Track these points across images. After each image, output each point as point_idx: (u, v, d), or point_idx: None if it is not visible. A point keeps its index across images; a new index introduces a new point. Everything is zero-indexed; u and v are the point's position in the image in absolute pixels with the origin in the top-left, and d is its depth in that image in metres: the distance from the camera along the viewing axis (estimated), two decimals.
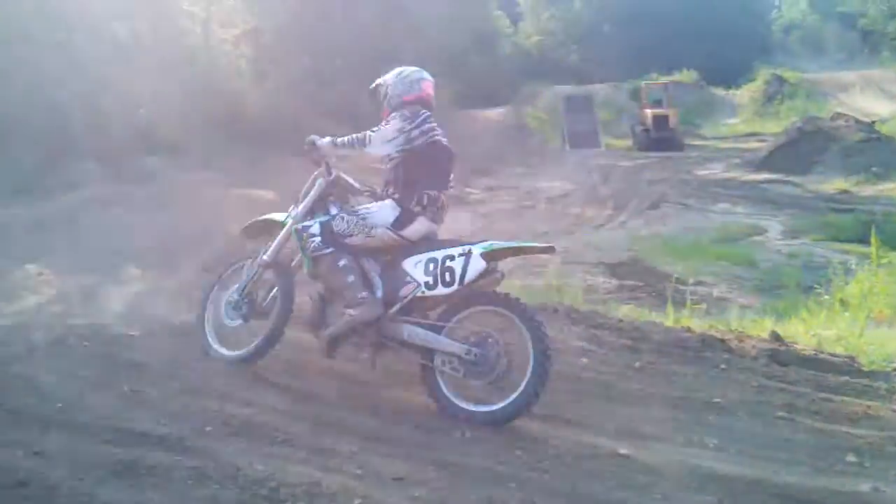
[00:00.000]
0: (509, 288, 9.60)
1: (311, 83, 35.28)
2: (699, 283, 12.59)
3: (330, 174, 6.10)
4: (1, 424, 4.93)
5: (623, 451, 5.17)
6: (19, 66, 20.22)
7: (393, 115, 5.86)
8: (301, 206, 6.15)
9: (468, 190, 23.26)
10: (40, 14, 21.90)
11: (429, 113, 5.95)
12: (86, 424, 5.06)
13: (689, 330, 8.20)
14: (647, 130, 35.68)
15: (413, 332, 5.61)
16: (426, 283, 5.57)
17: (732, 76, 53.43)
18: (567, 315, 8.34)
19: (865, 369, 7.38)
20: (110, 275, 11.58)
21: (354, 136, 5.84)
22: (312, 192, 6.13)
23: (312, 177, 6.23)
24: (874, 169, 24.24)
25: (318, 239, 5.84)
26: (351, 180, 6.25)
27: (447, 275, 5.51)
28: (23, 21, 20.79)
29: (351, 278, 5.70)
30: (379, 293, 5.72)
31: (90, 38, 24.28)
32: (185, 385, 5.86)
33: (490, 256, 5.58)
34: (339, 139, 5.95)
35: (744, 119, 45.64)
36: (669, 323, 8.70)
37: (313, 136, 6.10)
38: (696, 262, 14.10)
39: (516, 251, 5.98)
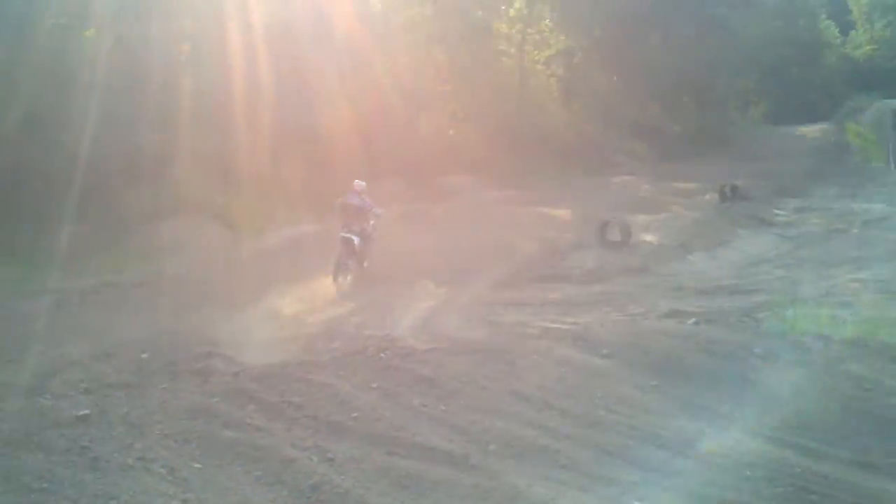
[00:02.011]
0: (814, 318, 9.13)
1: (617, 102, 35.23)
2: None
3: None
4: (302, 429, 5.37)
5: None
6: (344, 87, 21.85)
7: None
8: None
9: (775, 211, 22.01)
10: (367, 39, 23.59)
11: (350, 192, 13.99)
12: (377, 435, 5.39)
13: None
14: None
15: None
16: None
17: None
18: (880, 351, 7.71)
19: None
20: (407, 288, 12.29)
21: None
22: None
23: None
24: None
25: None
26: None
27: None
28: (351, 45, 22.52)
29: None
30: None
31: (411, 61, 25.84)
32: (472, 402, 6.05)
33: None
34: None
35: None
36: None
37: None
38: None
39: None
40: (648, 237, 17.75)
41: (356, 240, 13.57)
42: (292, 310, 11.24)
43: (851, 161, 35.13)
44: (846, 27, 60.83)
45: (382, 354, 6.94)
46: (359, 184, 14.30)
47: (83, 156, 15.10)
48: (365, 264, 13.84)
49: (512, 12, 33.18)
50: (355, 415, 5.64)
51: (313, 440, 5.21)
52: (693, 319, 9.14)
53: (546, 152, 28.45)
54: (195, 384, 6.38)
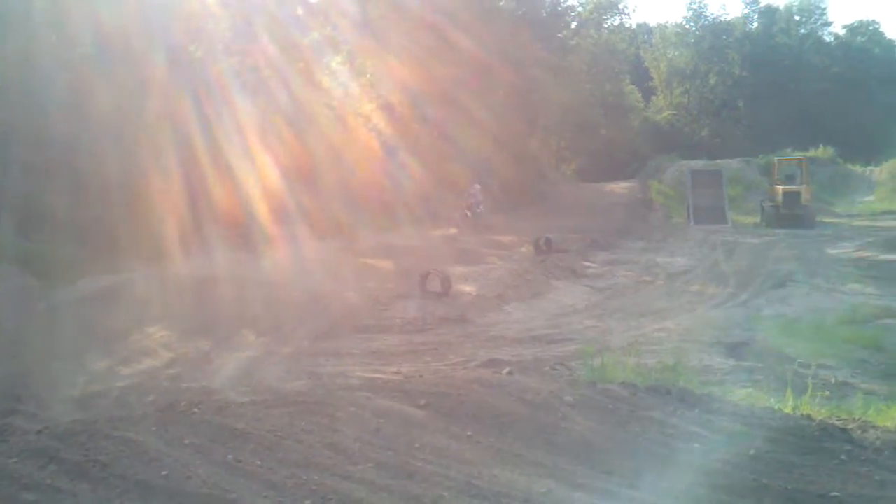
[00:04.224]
0: (621, 366, 9.61)
1: (438, 157, 36.00)
2: (822, 366, 12.04)
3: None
4: (108, 489, 5.13)
5: None
6: (163, 134, 21.35)
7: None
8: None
9: (586, 264, 23.10)
10: (190, 87, 23.17)
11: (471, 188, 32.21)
12: (188, 493, 5.20)
13: (808, 417, 7.78)
14: (776, 207, 34.69)
15: None
16: None
17: (872, 153, 51.80)
18: (681, 397, 8.07)
19: None
20: (227, 340, 12.06)
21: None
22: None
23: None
24: None
25: None
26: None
27: None
28: (174, 92, 22.06)
29: None
30: None
31: (231, 110, 25.54)
32: (288, 456, 5.95)
33: None
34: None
35: (881, 197, 43.86)
36: (788, 409, 8.29)
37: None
38: (820, 345, 13.38)
39: None
40: (467, 288, 18.19)
41: (469, 213, 30.68)
42: (105, 363, 10.77)
43: (656, 217, 37.40)
44: (648, 92, 65.34)
45: (196, 408, 6.72)
46: (475, 186, 32.00)
47: None
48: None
49: (334, 65, 33.44)
50: (165, 473, 5.42)
51: (120, 501, 4.98)
52: (507, 369, 9.39)
53: (368, 204, 28.72)
54: None
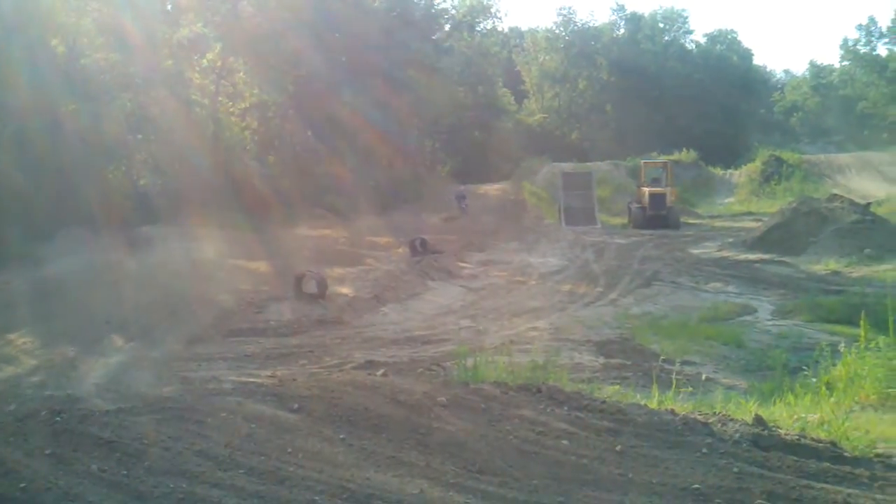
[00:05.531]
0: (493, 366, 9.72)
1: (314, 156, 35.71)
2: (686, 362, 12.52)
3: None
4: None
5: None
6: (25, 132, 20.46)
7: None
8: None
9: (461, 264, 23.33)
10: (52, 82, 22.25)
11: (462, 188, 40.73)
12: None
13: (672, 412, 8.04)
14: (643, 208, 35.77)
15: None
16: None
17: (731, 156, 54.21)
18: (550, 395, 8.21)
19: (848, 455, 7.12)
20: (95, 345, 11.64)
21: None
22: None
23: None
24: (867, 250, 23.92)
25: None
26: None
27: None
28: (35, 88, 21.12)
29: None
30: None
31: (98, 107, 24.63)
32: (155, 465, 5.80)
33: None
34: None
35: (740, 199, 45.93)
36: (653, 405, 8.55)
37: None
38: (684, 342, 13.96)
39: None
40: (344, 289, 18.12)
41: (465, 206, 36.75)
42: None
43: (529, 218, 38.06)
44: (520, 96, 66.55)
45: (59, 417, 6.47)
46: (459, 188, 40.01)
47: None
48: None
49: (205, 62, 32.72)
50: (23, 485, 5.22)
51: None
52: (382, 370, 9.39)
53: (242, 205, 28.20)
54: None
